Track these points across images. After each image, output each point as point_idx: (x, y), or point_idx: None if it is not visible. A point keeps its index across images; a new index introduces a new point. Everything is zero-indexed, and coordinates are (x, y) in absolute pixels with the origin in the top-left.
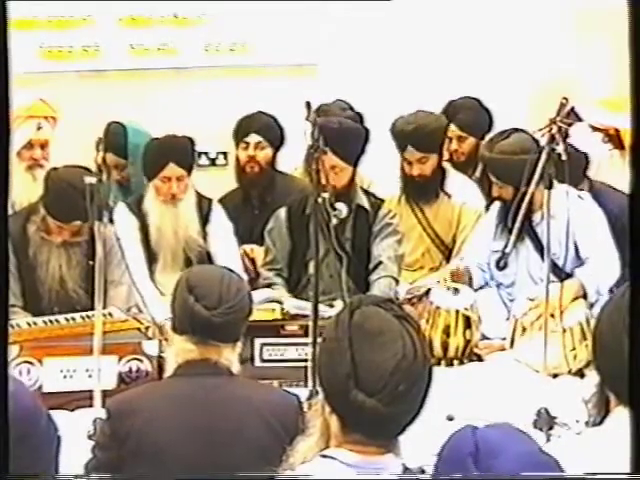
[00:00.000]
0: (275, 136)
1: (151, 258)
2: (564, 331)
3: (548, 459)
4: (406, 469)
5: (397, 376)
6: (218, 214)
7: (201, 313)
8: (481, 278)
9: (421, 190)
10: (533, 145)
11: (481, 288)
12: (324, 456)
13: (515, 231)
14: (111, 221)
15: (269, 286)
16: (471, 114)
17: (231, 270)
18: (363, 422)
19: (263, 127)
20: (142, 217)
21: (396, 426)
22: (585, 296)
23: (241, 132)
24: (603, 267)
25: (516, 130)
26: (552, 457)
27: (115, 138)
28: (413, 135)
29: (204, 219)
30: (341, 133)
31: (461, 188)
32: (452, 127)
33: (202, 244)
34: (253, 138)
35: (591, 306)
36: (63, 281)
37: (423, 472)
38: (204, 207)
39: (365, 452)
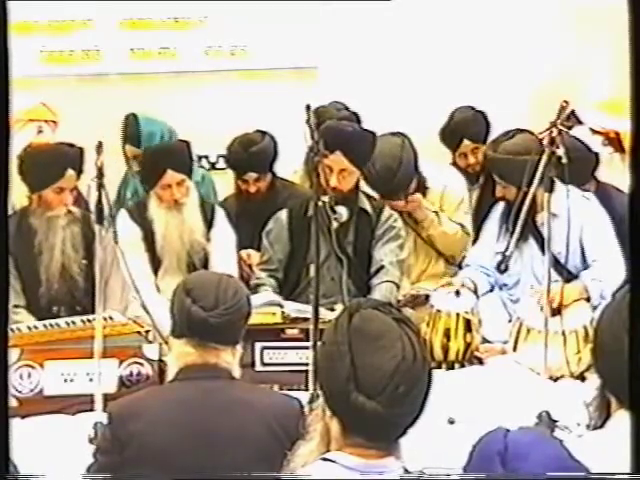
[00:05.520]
0: (270, 163)
1: (156, 264)
2: (569, 333)
3: (576, 465)
4: (406, 472)
5: (397, 378)
6: (221, 218)
7: (198, 314)
8: (486, 283)
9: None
10: (537, 146)
11: (487, 292)
12: (325, 459)
13: (516, 233)
14: (113, 225)
15: (259, 286)
16: (478, 124)
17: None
18: (363, 425)
19: (259, 163)
20: (146, 225)
21: (396, 429)
22: (590, 299)
23: (239, 169)
24: (608, 270)
25: (521, 131)
26: (581, 463)
27: (130, 129)
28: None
29: (209, 222)
30: (354, 137)
31: (438, 176)
32: (465, 142)
33: (206, 247)
34: (251, 176)
35: (594, 309)
36: (64, 269)
37: (423, 475)
38: (208, 210)
39: (366, 455)
